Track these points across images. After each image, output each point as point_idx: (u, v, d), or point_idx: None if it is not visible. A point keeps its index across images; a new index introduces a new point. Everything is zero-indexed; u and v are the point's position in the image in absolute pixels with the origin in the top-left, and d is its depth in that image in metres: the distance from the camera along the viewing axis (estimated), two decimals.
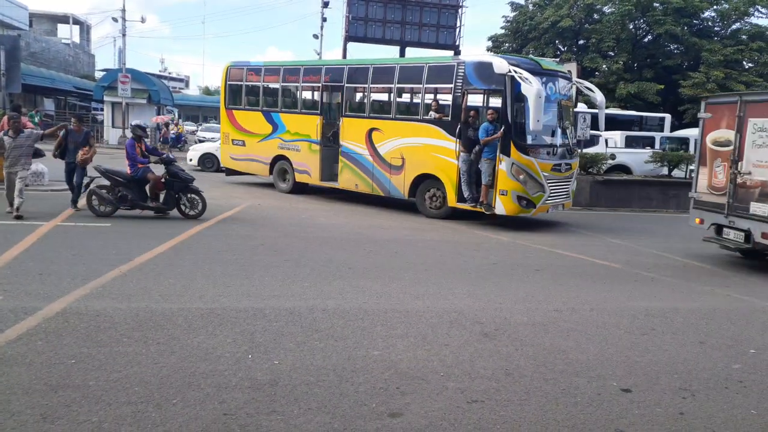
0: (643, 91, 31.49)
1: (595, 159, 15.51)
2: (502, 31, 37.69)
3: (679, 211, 14.73)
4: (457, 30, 34.97)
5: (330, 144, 13.52)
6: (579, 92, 12.74)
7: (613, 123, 23.12)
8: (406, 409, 3.66)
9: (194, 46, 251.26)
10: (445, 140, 11.29)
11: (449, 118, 11.31)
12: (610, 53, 33.80)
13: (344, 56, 30.96)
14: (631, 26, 34.59)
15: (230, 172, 16.24)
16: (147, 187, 10.11)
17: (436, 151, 11.45)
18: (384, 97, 13.36)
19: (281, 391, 3.78)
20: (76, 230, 8.69)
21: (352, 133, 12.90)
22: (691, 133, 18.99)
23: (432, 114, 11.75)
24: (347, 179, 13.17)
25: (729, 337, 5.47)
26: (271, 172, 14.75)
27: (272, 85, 14.77)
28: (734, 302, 6.76)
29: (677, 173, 16.70)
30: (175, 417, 3.39)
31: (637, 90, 31.45)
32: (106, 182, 9.93)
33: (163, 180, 10.06)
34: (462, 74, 11.04)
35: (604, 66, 33.68)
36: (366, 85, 12.74)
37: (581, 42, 35.06)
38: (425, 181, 11.88)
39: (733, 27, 34.03)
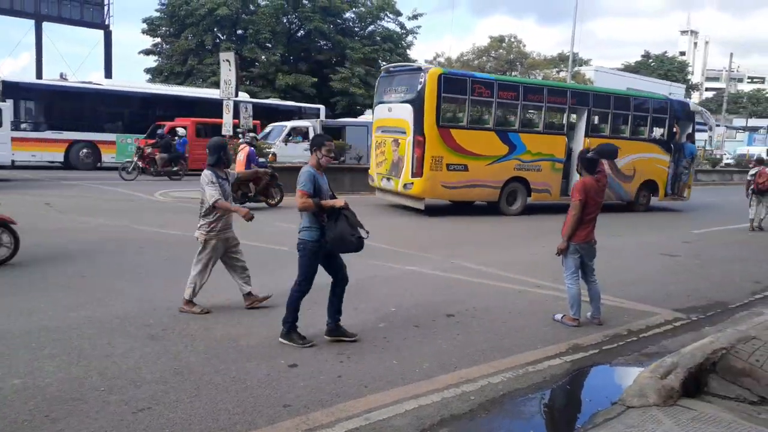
0: (300, 83, 33.78)
1: None
2: (158, 14, 35.88)
3: None
4: (107, 8, 31.90)
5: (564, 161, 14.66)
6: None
7: (275, 113, 24.22)
8: None
9: None
10: (661, 153, 16.08)
11: (665, 138, 16.06)
12: (268, 45, 35.22)
13: None
14: (285, 20, 36.62)
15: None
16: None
17: (657, 162, 16.01)
18: (621, 120, 15.62)
19: None
20: None
21: None
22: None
23: (653, 134, 15.86)
24: None
25: (377, 300, 6.27)
26: (499, 196, 13.72)
27: (509, 103, 13.79)
28: (387, 270, 7.70)
29: None
30: None
31: (295, 82, 33.59)
32: None
33: None
34: (672, 109, 16.07)
35: (263, 57, 34.96)
36: (608, 111, 15.06)
37: (240, 32, 35.65)
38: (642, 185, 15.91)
39: (370, 29, 39.00)
